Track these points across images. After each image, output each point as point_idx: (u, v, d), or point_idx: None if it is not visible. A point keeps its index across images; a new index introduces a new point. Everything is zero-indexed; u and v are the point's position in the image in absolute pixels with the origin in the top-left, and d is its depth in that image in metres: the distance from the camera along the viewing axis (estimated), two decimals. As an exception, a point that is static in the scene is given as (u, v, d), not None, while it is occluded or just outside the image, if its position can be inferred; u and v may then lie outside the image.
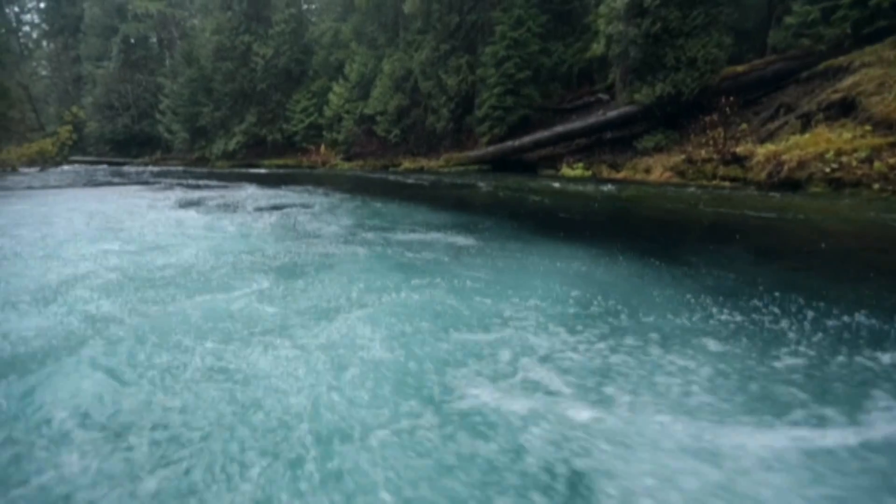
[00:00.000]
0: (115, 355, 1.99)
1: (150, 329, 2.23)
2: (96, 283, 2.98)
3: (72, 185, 11.40)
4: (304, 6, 30.17)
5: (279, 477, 1.25)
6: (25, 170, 18.31)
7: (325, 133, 24.37)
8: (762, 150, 9.11)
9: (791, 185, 8.03)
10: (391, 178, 14.42)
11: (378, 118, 21.27)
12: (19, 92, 24.12)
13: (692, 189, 8.99)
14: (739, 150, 9.89)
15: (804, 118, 9.39)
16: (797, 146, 8.36)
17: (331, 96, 23.79)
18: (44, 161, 20.59)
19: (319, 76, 25.97)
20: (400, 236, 4.48)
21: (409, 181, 12.68)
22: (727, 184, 9.62)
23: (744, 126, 10.74)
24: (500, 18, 16.81)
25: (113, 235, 4.45)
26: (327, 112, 23.94)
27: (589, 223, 5.95)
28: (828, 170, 7.57)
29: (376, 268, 3.38)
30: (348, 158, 22.80)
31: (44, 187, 10.41)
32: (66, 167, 21.22)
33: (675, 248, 4.25)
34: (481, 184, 11.27)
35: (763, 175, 8.66)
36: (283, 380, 1.75)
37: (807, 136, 8.67)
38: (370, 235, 4.53)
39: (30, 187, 10.28)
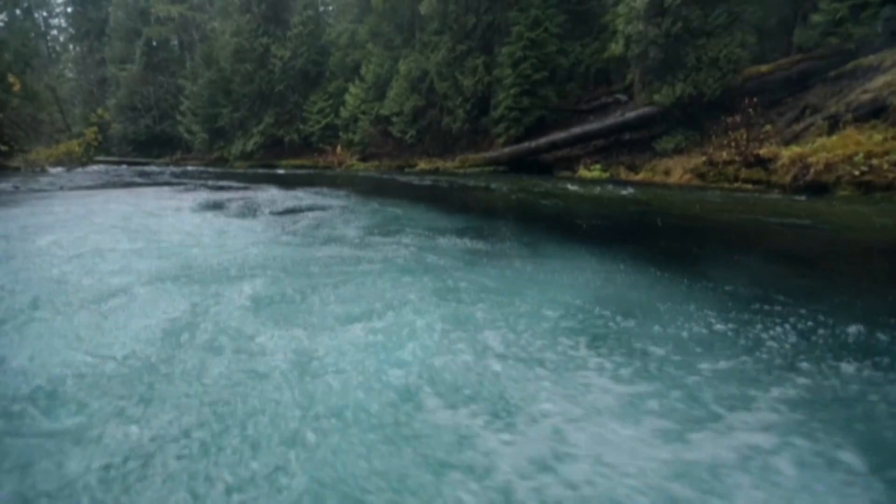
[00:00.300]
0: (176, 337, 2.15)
1: (187, 313, 2.47)
2: (145, 278, 3.09)
3: (102, 186, 11.74)
4: (321, 8, 30.48)
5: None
6: (53, 170, 18.91)
7: (341, 134, 24.60)
8: (787, 153, 8.89)
9: (817, 188, 7.82)
10: (407, 179, 14.49)
11: (394, 119, 21.38)
12: (47, 94, 24.89)
13: (714, 192, 8.82)
14: (763, 152, 9.68)
15: (831, 119, 9.14)
16: (824, 148, 8.14)
17: (347, 97, 24.00)
18: (70, 161, 21.22)
19: (336, 77, 26.22)
20: (409, 241, 4.51)
21: (425, 183, 12.72)
22: (750, 186, 9.42)
23: (767, 127, 10.50)
24: (516, 19, 16.74)
25: (151, 238, 4.60)
26: (343, 113, 24.16)
27: (603, 229, 5.89)
28: (857, 173, 7.35)
29: (380, 273, 3.44)
30: (364, 159, 22.98)
31: (77, 188, 10.75)
32: (91, 167, 21.86)
33: (692, 258, 4.17)
34: (496, 186, 11.24)
35: (788, 178, 8.45)
36: (279, 358, 2.13)
37: (834, 137, 8.43)
38: (381, 240, 4.56)
39: (63, 188, 10.63)
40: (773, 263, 3.94)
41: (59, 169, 19.44)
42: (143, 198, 8.41)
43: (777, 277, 3.47)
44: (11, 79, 16.73)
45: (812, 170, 7.92)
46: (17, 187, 10.40)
